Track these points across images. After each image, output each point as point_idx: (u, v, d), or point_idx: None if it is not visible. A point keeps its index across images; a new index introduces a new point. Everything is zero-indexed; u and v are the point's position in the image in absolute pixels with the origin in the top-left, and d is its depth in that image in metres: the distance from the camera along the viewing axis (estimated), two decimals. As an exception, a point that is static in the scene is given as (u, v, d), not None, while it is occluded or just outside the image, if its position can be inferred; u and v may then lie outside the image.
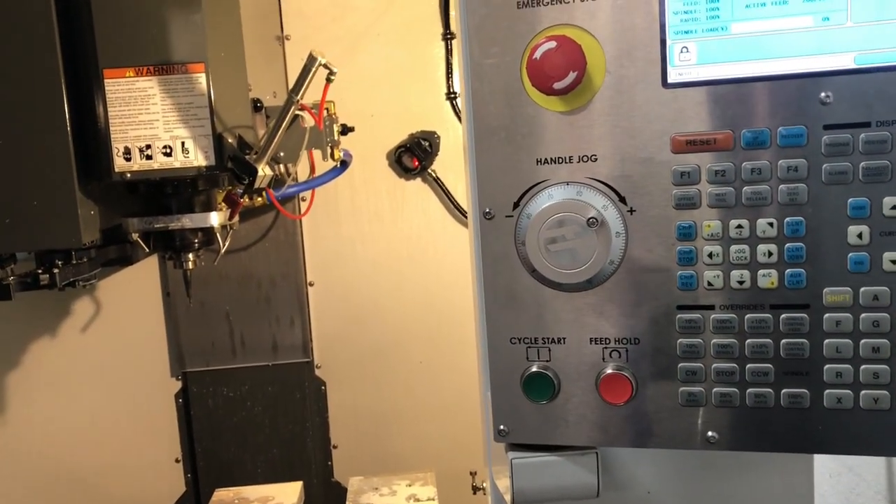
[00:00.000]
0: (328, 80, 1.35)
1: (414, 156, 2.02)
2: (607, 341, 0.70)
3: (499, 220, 0.71)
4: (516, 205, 0.70)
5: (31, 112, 1.23)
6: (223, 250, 1.52)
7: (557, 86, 0.65)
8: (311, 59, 1.28)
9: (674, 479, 0.82)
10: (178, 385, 2.07)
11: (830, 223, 0.64)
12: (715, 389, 0.68)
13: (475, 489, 2.06)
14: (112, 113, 1.28)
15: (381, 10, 2.01)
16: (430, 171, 2.04)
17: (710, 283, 0.67)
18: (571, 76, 0.65)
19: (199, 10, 1.28)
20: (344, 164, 1.66)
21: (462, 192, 2.03)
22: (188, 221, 1.43)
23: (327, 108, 1.56)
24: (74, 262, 1.34)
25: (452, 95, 2.02)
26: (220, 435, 2.08)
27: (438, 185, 2.06)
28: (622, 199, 0.68)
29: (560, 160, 0.69)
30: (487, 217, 0.71)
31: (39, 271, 1.29)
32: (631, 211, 0.68)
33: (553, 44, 0.65)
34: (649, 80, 0.66)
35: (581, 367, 0.71)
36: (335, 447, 2.16)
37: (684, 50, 0.65)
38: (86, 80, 1.27)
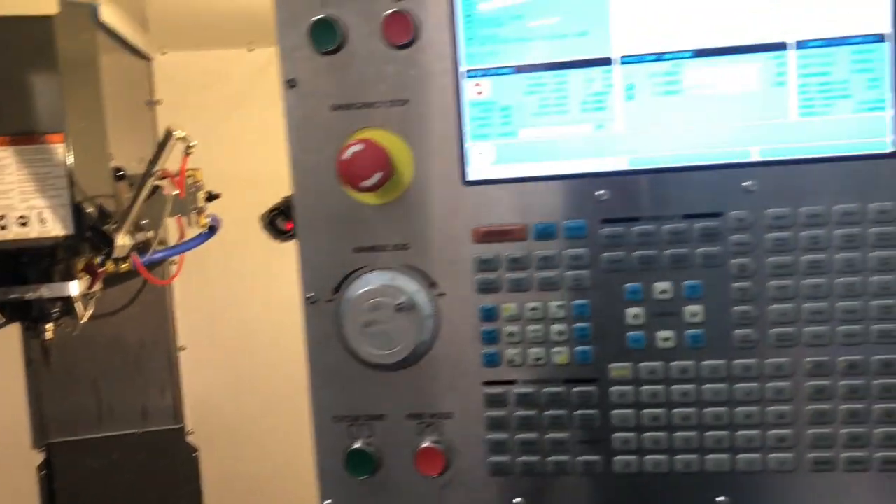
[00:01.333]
0: (187, 153, 1.37)
1: (288, 218, 2.04)
2: (423, 416, 0.75)
3: (321, 305, 0.76)
4: (336, 290, 0.75)
5: None
6: (84, 319, 1.49)
7: (364, 184, 0.71)
8: (168, 135, 1.30)
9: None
10: (40, 457, 1.98)
11: (611, 306, 0.72)
12: (519, 459, 0.74)
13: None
14: (-37, 183, 1.26)
15: (254, 77, 2.04)
16: (305, 233, 2.07)
17: (511, 360, 0.73)
18: (377, 176, 0.70)
19: (57, 79, 1.28)
20: (212, 230, 1.66)
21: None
22: (46, 291, 1.40)
23: (193, 176, 1.57)
24: (-80, 335, 1.29)
25: (326, 160, 2.06)
26: (86, 507, 2.01)
27: (314, 248, 2.09)
28: (433, 284, 0.74)
29: (376, 248, 0.74)
30: (310, 302, 0.76)
31: None
32: (441, 295, 0.74)
33: (361, 146, 0.70)
34: (452, 177, 0.73)
35: (399, 442, 0.76)
36: (209, 515, 2.11)
37: (481, 151, 0.72)
38: (-67, 151, 1.25)
